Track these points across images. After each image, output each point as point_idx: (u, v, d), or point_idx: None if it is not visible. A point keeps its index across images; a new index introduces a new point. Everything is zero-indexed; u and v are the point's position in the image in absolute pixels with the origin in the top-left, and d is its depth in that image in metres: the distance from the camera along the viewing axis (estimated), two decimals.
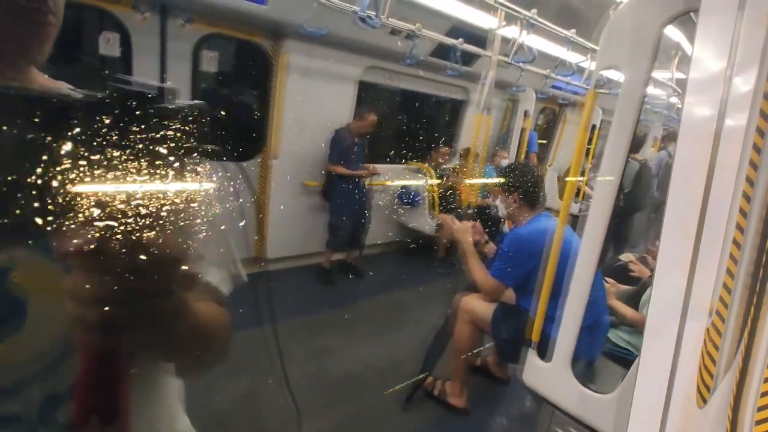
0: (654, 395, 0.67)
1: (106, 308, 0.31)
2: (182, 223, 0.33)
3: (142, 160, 0.31)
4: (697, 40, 0.53)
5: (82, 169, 0.30)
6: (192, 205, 0.34)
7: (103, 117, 0.30)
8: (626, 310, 1.98)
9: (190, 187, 0.33)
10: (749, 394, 0.73)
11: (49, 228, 0.30)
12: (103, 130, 0.30)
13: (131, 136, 0.31)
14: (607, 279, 2.26)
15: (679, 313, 0.62)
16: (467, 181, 4.29)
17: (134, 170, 0.31)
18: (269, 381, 1.85)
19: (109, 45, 2.68)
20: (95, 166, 0.30)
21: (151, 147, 0.31)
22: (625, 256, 2.79)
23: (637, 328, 1.93)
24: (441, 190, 4.38)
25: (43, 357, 0.42)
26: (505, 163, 4.80)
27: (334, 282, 3.69)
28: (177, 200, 0.32)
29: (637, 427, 0.68)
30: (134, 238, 0.30)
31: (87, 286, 0.30)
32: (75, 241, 0.30)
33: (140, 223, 0.31)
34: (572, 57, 4.09)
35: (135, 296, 0.31)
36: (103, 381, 0.36)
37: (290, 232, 3.77)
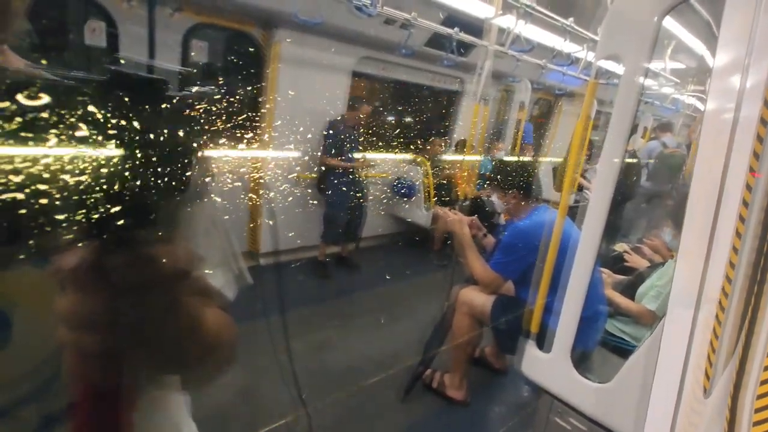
0: (670, 385, 0.67)
1: (107, 333, 0.27)
2: (189, 223, 0.30)
3: (150, 153, 0.28)
4: (722, 27, 0.52)
5: (78, 162, 0.26)
6: (199, 201, 0.31)
7: (104, 104, 0.27)
8: (623, 301, 1.99)
9: (199, 180, 0.31)
10: (749, 383, 0.74)
11: (36, 232, 0.27)
12: (104, 120, 0.27)
13: (135, 125, 0.28)
14: (603, 269, 2.27)
15: (693, 304, 0.61)
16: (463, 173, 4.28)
17: (142, 164, 0.28)
18: (275, 376, 1.84)
19: (94, 34, 2.61)
20: (94, 159, 0.27)
21: (156, 137, 0.28)
22: (620, 246, 2.81)
23: (634, 318, 1.95)
24: (436, 182, 4.37)
25: (35, 375, 0.38)
26: (500, 155, 4.80)
27: (330, 275, 3.68)
28: (185, 197, 0.30)
29: (654, 416, 0.68)
30: (140, 243, 0.27)
31: (85, 308, 0.27)
32: (71, 254, 0.27)
33: (146, 227, 0.28)
34: (569, 47, 4.07)
35: (140, 315, 0.28)
36: (102, 404, 0.33)
37: (284, 225, 3.74)
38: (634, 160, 4.68)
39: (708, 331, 0.71)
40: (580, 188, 4.68)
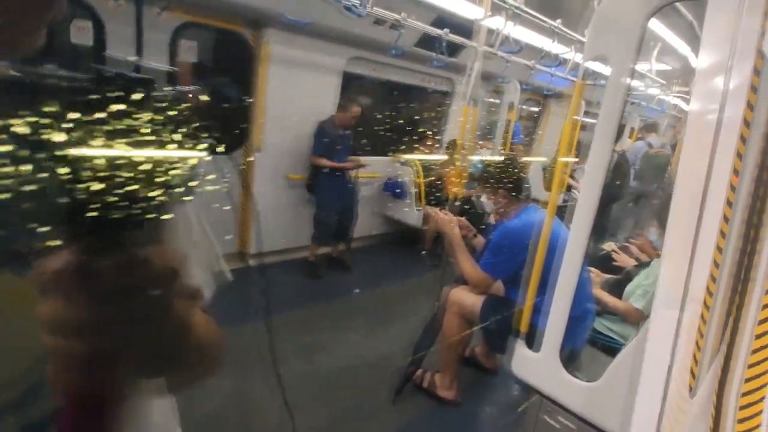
0: (655, 384, 0.68)
1: (93, 337, 0.27)
2: (173, 224, 0.29)
3: (133, 153, 0.27)
4: (705, 28, 0.53)
5: (59, 163, 0.26)
6: (182, 203, 0.31)
7: (87, 102, 0.26)
8: (610, 300, 2.01)
9: (180, 179, 0.30)
10: (734, 380, 0.74)
11: (16, 238, 0.27)
12: (86, 119, 0.26)
13: (120, 126, 0.27)
14: (591, 269, 2.30)
15: (678, 303, 0.62)
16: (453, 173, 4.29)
17: (124, 165, 0.27)
18: (260, 381, 1.82)
19: (81, 33, 2.56)
20: (76, 160, 0.26)
21: (142, 137, 0.28)
22: (608, 245, 2.84)
23: (621, 317, 1.97)
24: (427, 182, 4.38)
25: (16, 384, 0.38)
26: (486, 153, 4.83)
27: (320, 276, 3.66)
28: (166, 197, 0.29)
29: (641, 415, 0.69)
30: (124, 245, 0.27)
31: (69, 313, 0.26)
32: (53, 259, 0.26)
33: (130, 229, 0.27)
34: (557, 48, 4.11)
35: (127, 318, 0.28)
36: (87, 410, 0.32)
37: (274, 226, 3.72)
38: (622, 160, 4.74)
39: (693, 330, 0.71)
40: (569, 188, 4.73)
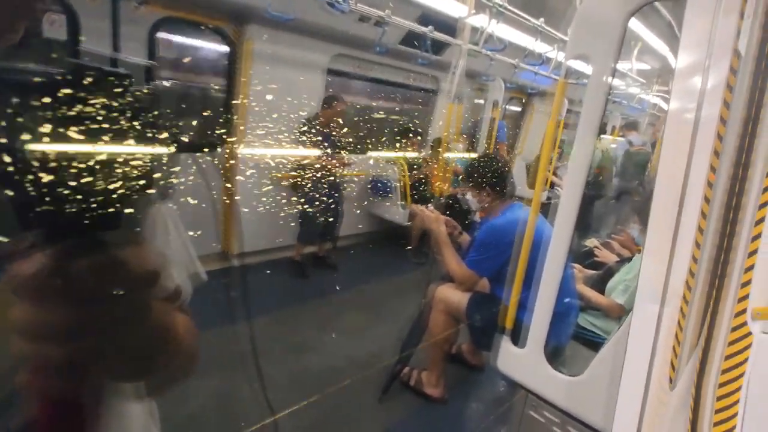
0: (637, 377, 0.69)
1: (70, 342, 0.26)
2: (149, 224, 0.28)
3: (104, 151, 0.26)
4: (683, 29, 0.54)
5: (34, 161, 0.25)
6: (160, 203, 0.30)
7: (62, 99, 0.25)
8: (593, 295, 2.05)
9: (158, 179, 0.29)
10: (711, 372, 0.76)
11: None
12: (61, 116, 0.25)
13: (95, 122, 0.26)
14: (574, 264, 2.33)
15: (659, 299, 0.63)
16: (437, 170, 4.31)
17: (102, 165, 0.26)
18: (243, 381, 1.80)
19: (54, 27, 2.48)
20: (51, 158, 0.25)
21: (118, 135, 0.27)
22: (590, 242, 2.89)
23: (604, 312, 2.01)
24: (413, 180, 4.38)
25: None
26: (459, 146, 4.86)
27: (306, 275, 3.64)
28: (141, 198, 0.28)
29: (623, 408, 0.70)
30: (101, 248, 0.26)
31: (43, 318, 0.25)
32: (28, 262, 0.25)
33: (107, 230, 0.26)
34: (540, 47, 4.16)
35: (105, 321, 0.27)
36: (64, 417, 0.31)
37: (259, 225, 3.67)
38: (606, 158, 4.83)
39: (673, 324, 0.73)
40: (553, 185, 4.80)
